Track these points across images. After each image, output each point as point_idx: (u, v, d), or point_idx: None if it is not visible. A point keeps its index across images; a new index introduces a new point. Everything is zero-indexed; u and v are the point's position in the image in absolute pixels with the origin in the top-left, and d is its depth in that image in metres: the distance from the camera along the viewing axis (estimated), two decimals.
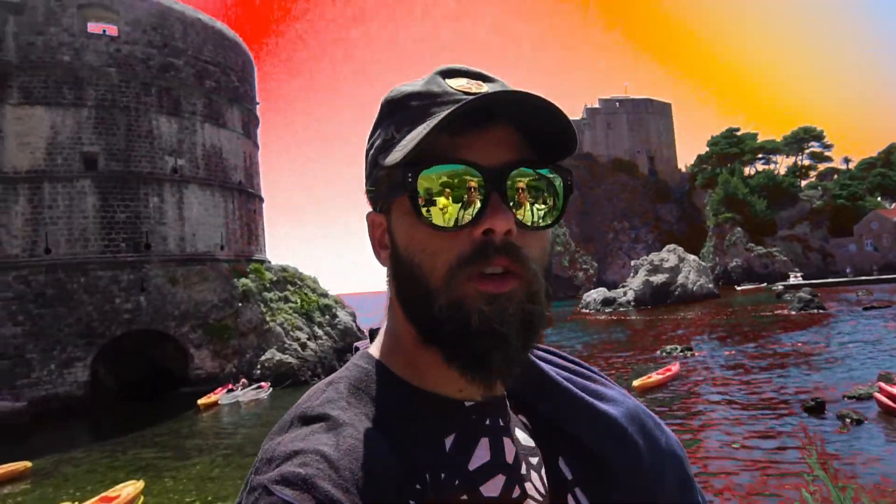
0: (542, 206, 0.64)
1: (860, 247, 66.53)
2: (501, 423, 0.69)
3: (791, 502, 8.70)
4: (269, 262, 30.38)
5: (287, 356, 24.38)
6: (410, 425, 0.63)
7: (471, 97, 0.61)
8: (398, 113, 0.66)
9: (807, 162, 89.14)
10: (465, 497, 0.62)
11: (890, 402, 12.80)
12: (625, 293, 52.22)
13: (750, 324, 32.83)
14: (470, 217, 0.60)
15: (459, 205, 0.60)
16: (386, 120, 0.68)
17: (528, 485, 0.67)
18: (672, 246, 55.86)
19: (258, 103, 32.45)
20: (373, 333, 0.78)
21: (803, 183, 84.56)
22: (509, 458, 0.67)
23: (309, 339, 26.29)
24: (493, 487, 0.64)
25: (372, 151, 0.69)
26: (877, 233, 65.65)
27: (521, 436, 0.72)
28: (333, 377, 0.69)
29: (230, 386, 21.91)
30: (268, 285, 27.22)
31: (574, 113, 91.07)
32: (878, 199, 79.32)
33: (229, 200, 27.99)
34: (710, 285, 53.08)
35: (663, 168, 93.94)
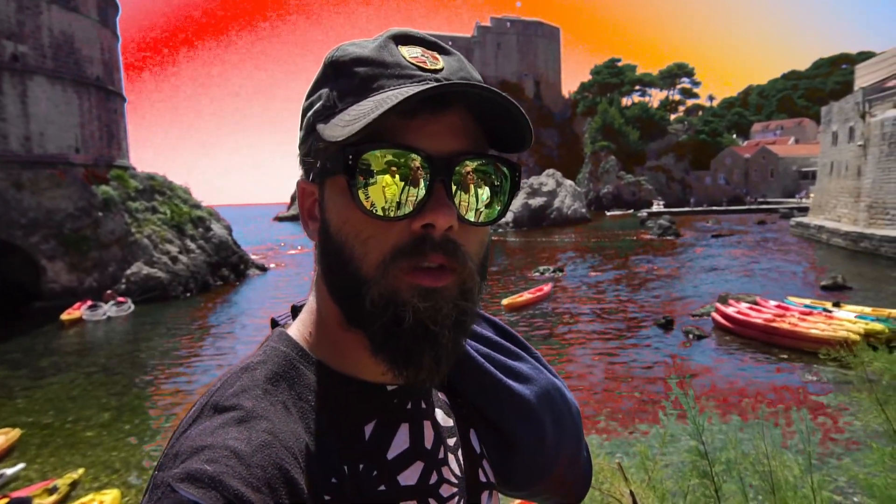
0: (486, 202, 0.61)
1: (714, 179, 72.97)
2: (423, 406, 0.68)
3: (646, 406, 9.78)
4: (134, 169, 27.92)
5: (156, 270, 22.97)
6: (330, 414, 0.60)
7: (427, 78, 0.58)
8: (342, 79, 0.60)
9: (677, 97, 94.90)
10: (382, 487, 0.60)
11: (723, 321, 14.54)
12: None
13: (616, 247, 35.46)
14: (410, 208, 0.56)
15: (400, 193, 0.56)
16: (329, 83, 0.62)
17: (444, 469, 0.67)
18: (551, 171, 58.24)
19: None
20: (295, 310, 0.73)
21: (672, 117, 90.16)
22: (428, 444, 0.66)
23: (181, 252, 24.84)
24: (410, 476, 0.63)
25: (310, 115, 0.62)
26: (729, 168, 72.22)
27: (441, 416, 0.71)
28: (249, 362, 0.62)
29: (89, 302, 20.35)
30: (133, 194, 25.11)
31: (466, 30, 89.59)
32: (734, 136, 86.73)
33: (85, 98, 24.99)
34: (584, 210, 56.35)
35: (548, 93, 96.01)
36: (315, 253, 0.65)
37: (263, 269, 30.00)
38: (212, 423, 0.54)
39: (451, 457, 0.69)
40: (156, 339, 17.11)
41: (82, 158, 24.25)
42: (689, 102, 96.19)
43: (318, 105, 0.61)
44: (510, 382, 0.77)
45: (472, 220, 0.60)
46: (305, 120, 0.63)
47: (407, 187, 0.56)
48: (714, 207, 63.73)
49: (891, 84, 29.74)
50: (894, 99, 27.50)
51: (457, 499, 0.68)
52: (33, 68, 22.67)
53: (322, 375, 0.62)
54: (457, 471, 0.69)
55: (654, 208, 63.18)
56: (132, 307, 20.72)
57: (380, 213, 0.56)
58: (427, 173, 0.56)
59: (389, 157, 0.55)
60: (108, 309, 20.02)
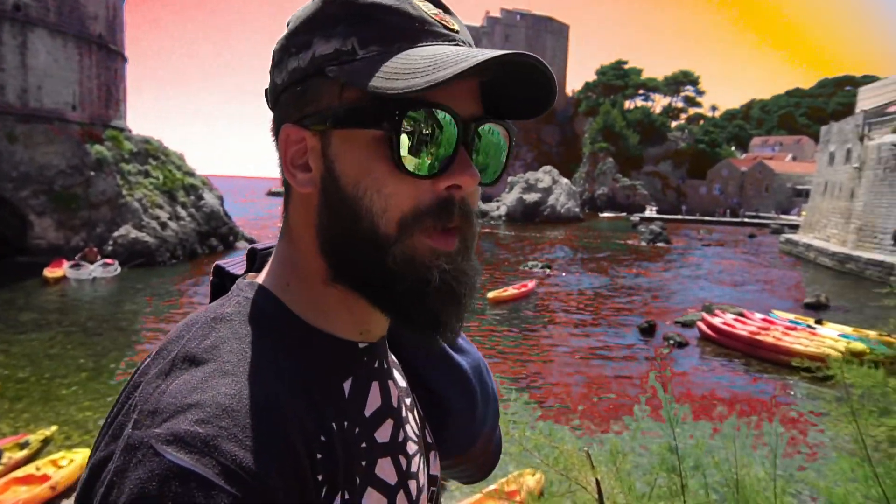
0: (491, 164, 0.63)
1: (710, 190, 73.29)
2: (385, 365, 0.68)
3: (620, 407, 9.86)
4: (130, 132, 27.63)
5: (144, 234, 22.80)
6: (312, 370, 0.57)
7: (454, 38, 0.58)
8: (363, 23, 0.56)
9: (680, 104, 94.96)
10: (364, 445, 0.60)
11: (708, 330, 14.65)
12: (498, 207, 54.25)
13: (605, 249, 35.58)
14: (437, 168, 0.56)
15: (429, 153, 0.55)
16: (341, 25, 0.56)
17: (407, 427, 0.68)
18: (548, 167, 58.26)
19: None
20: (254, 255, 0.71)
21: (673, 124, 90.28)
22: (394, 402, 0.66)
23: (170, 218, 24.67)
24: (384, 433, 0.63)
25: (311, 55, 0.57)
26: (725, 179, 72.53)
27: (397, 376, 0.72)
28: (221, 312, 0.58)
29: (73, 262, 20.14)
30: (126, 156, 24.86)
31: (472, 18, 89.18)
32: (733, 148, 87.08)
33: (86, 54, 24.65)
34: (577, 209, 56.45)
35: None
36: (296, 204, 0.61)
37: (252, 241, 29.59)
38: (192, 375, 0.50)
39: (409, 416, 0.70)
40: (139, 304, 17.02)
41: (78, 116, 23.97)
42: (692, 111, 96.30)
43: (325, 47, 0.56)
44: (449, 350, 0.80)
45: (485, 181, 0.61)
46: (301, 60, 0.58)
47: (435, 148, 0.55)
48: (706, 217, 64.07)
49: (892, 109, 29.94)
50: (894, 124, 27.70)
51: (418, 456, 0.68)
52: (35, 20, 22.32)
53: (301, 331, 0.59)
54: (416, 429, 0.70)
55: (647, 213, 63.42)
56: (118, 269, 20.59)
57: (411, 169, 0.55)
58: (455, 135, 0.56)
59: (428, 122, 0.55)
60: (93, 269, 19.87)
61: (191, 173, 28.50)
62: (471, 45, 0.59)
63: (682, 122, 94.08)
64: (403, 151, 0.54)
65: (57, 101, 23.22)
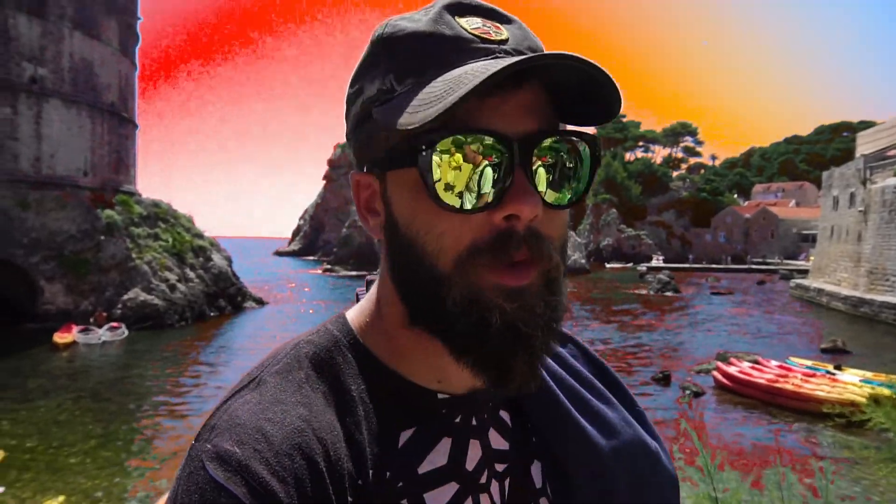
0: (567, 182, 0.55)
1: (715, 237, 73.49)
2: (474, 423, 0.61)
3: None
4: (140, 196, 28.11)
5: (153, 297, 22.84)
6: (368, 410, 0.56)
7: (494, 51, 0.52)
8: (398, 58, 0.54)
9: (680, 154, 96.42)
10: (404, 502, 0.55)
11: (724, 379, 14.37)
12: None
13: (614, 300, 35.36)
14: (490, 198, 0.51)
15: (478, 182, 0.50)
16: (382, 64, 0.55)
17: (483, 496, 0.60)
18: None
19: (140, 19, 29.43)
20: (370, 285, 0.67)
21: (674, 173, 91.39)
22: (470, 465, 0.59)
23: (179, 280, 24.76)
24: (440, 497, 0.57)
25: (362, 100, 0.57)
26: (729, 226, 72.85)
27: (495, 437, 0.63)
28: (300, 339, 0.59)
29: (83, 326, 20.14)
30: (136, 220, 25.20)
31: None
32: (735, 195, 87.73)
33: (98, 122, 25.37)
34: (583, 261, 56.55)
35: None
36: (379, 247, 0.60)
37: (261, 302, 29.85)
38: (251, 397, 0.53)
39: (495, 484, 0.61)
40: (147, 368, 16.88)
41: (90, 182, 24.45)
42: (692, 160, 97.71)
43: (371, 89, 0.55)
44: (586, 425, 0.66)
45: (555, 203, 0.54)
46: (356, 106, 0.58)
47: (484, 175, 0.50)
48: (713, 265, 63.91)
49: (892, 153, 30.26)
50: (895, 167, 27.93)
51: None
52: (50, 91, 23.08)
53: (369, 367, 0.58)
54: (498, 500, 0.61)
55: (654, 263, 63.33)
56: (126, 333, 20.53)
57: (456, 205, 0.50)
58: (506, 158, 0.51)
59: (465, 150, 0.50)
60: (102, 333, 19.85)
61: (199, 235, 28.81)
62: (522, 52, 0.53)
63: (683, 171, 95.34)
64: (440, 188, 0.50)
65: (69, 168, 23.75)
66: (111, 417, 12.19)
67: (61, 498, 7.87)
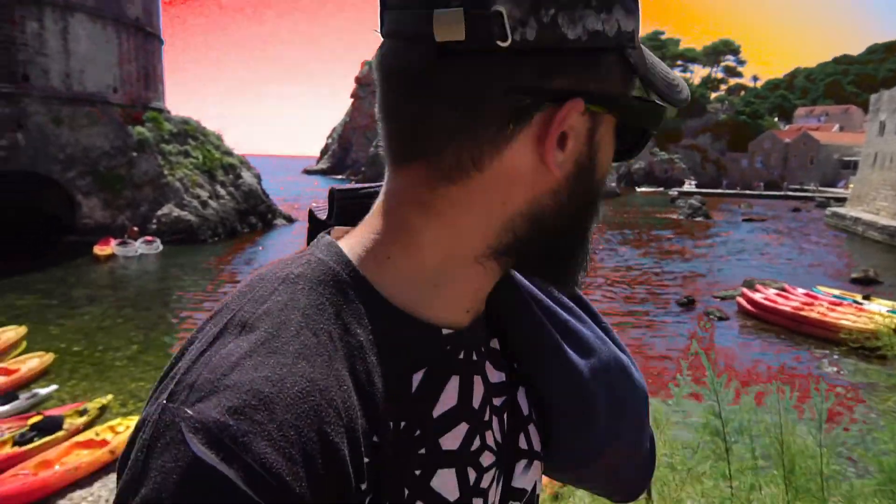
0: None
1: (751, 162, 71.21)
2: (475, 357, 0.57)
3: (659, 379, 9.82)
4: (169, 112, 28.21)
5: (186, 213, 23.42)
6: (378, 355, 0.49)
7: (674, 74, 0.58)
8: (633, 16, 0.49)
9: (720, 75, 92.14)
10: (422, 451, 0.50)
11: (748, 306, 14.40)
12: None
13: (643, 224, 35.04)
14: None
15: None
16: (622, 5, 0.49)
17: (488, 433, 0.57)
18: None
19: None
20: (335, 200, 0.62)
21: (713, 95, 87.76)
22: (476, 402, 0.56)
23: (210, 197, 25.24)
24: (453, 439, 0.53)
25: (615, 26, 0.47)
26: (768, 151, 70.28)
27: (490, 370, 0.60)
28: (290, 271, 0.49)
29: (120, 240, 20.89)
30: (167, 137, 25.45)
31: None
32: (776, 119, 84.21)
33: (124, 38, 25.17)
34: (613, 184, 55.61)
35: None
36: (486, 180, 0.49)
37: (290, 219, 30.35)
38: (238, 346, 0.43)
39: (495, 420, 0.59)
40: (183, 280, 17.57)
41: (119, 98, 24.57)
42: (732, 81, 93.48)
43: (627, 21, 0.49)
44: (566, 348, 0.65)
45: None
46: (606, 23, 0.47)
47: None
48: (748, 191, 62.38)
49: None
50: None
51: (494, 469, 0.58)
52: (74, 5, 22.84)
53: (374, 306, 0.50)
54: (498, 436, 0.59)
55: (686, 187, 62.11)
56: (161, 247, 21.25)
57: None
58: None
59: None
60: (139, 246, 20.59)
61: (229, 153, 29.04)
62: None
63: (723, 93, 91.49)
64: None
65: (99, 84, 23.82)
66: (152, 325, 12.85)
67: (109, 396, 8.47)
